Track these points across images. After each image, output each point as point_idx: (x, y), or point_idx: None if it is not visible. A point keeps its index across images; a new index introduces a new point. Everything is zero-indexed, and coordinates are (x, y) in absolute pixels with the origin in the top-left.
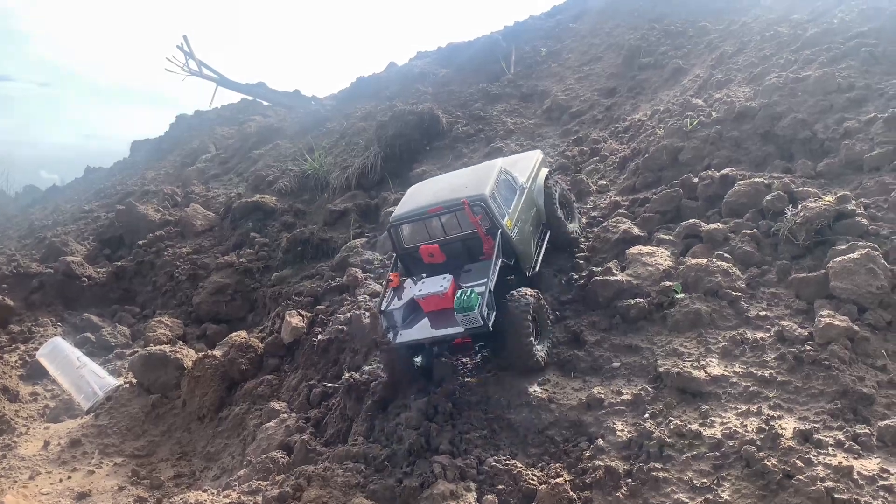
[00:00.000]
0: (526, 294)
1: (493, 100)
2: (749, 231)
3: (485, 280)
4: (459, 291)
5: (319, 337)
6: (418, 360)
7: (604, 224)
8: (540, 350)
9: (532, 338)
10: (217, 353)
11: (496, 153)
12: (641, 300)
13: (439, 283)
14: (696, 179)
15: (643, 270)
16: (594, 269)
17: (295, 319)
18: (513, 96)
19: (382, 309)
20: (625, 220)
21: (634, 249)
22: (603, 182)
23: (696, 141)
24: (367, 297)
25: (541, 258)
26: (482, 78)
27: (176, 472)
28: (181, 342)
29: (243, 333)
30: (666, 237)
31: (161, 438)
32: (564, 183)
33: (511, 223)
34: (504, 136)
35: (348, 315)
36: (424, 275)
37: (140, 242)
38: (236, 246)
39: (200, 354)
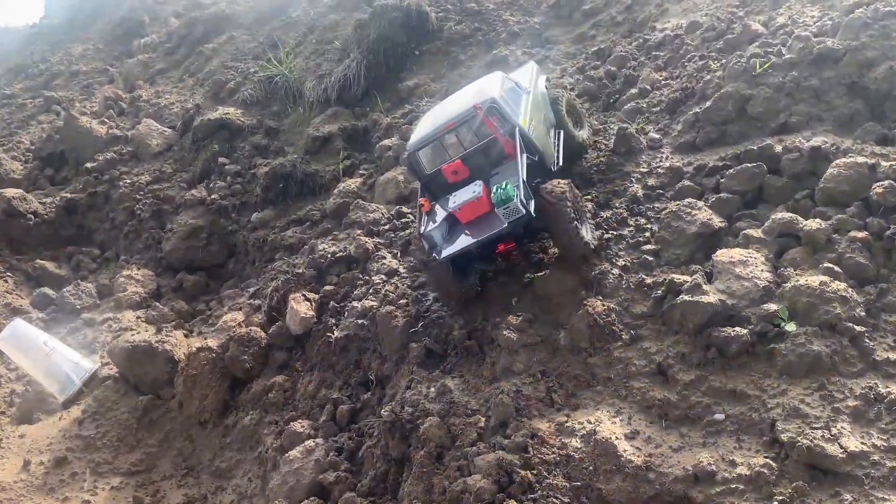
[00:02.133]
0: (559, 182)
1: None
2: (858, 234)
3: (516, 175)
4: (495, 187)
5: (336, 334)
6: (476, 274)
7: (669, 205)
8: (586, 234)
9: (574, 219)
10: (213, 343)
11: (501, 64)
12: (742, 331)
13: (472, 190)
14: (779, 149)
15: (738, 286)
16: (674, 279)
17: (302, 307)
18: None
19: (422, 232)
20: (699, 203)
21: (723, 255)
22: (654, 135)
23: (768, 89)
24: (384, 279)
25: (562, 154)
26: None
27: (185, 494)
28: (156, 302)
29: (239, 317)
30: (754, 233)
31: (159, 449)
32: (569, 93)
33: (526, 122)
34: (507, 40)
35: (368, 305)
36: (450, 194)
37: (89, 166)
38: (203, 175)
39: (195, 347)
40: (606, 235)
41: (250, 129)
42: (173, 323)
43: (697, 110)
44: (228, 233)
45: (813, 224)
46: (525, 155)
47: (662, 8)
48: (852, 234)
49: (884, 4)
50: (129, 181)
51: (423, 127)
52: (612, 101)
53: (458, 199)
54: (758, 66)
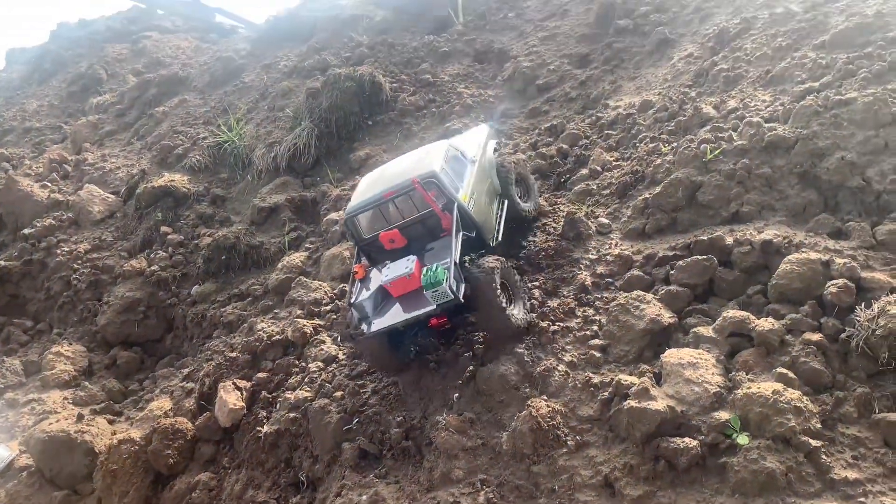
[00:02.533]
0: (489, 260)
1: (442, 58)
2: (812, 336)
3: (450, 254)
4: (425, 269)
5: (266, 428)
6: (412, 350)
7: (618, 295)
8: (517, 313)
9: (501, 297)
10: (136, 434)
11: (454, 136)
12: (692, 442)
13: (404, 266)
14: (730, 240)
15: (688, 391)
16: (621, 380)
17: (231, 397)
18: (465, 54)
19: (352, 301)
20: (647, 297)
21: (672, 356)
22: (603, 219)
23: (719, 176)
24: (321, 367)
25: (502, 228)
26: (427, 26)
27: None
28: (87, 380)
29: (167, 404)
30: (705, 332)
31: None
32: (523, 160)
33: (466, 196)
34: (461, 112)
35: (301, 397)
36: (388, 262)
37: (26, 232)
38: (145, 244)
39: (116, 439)
40: (553, 328)
41: (196, 197)
42: (102, 405)
43: (647, 196)
44: (167, 306)
45: (765, 324)
46: (461, 233)
47: (616, 85)
48: (806, 335)
49: (834, 93)
50: (66, 249)
51: (364, 191)
52: (563, 180)
53: (390, 273)
54: (708, 152)
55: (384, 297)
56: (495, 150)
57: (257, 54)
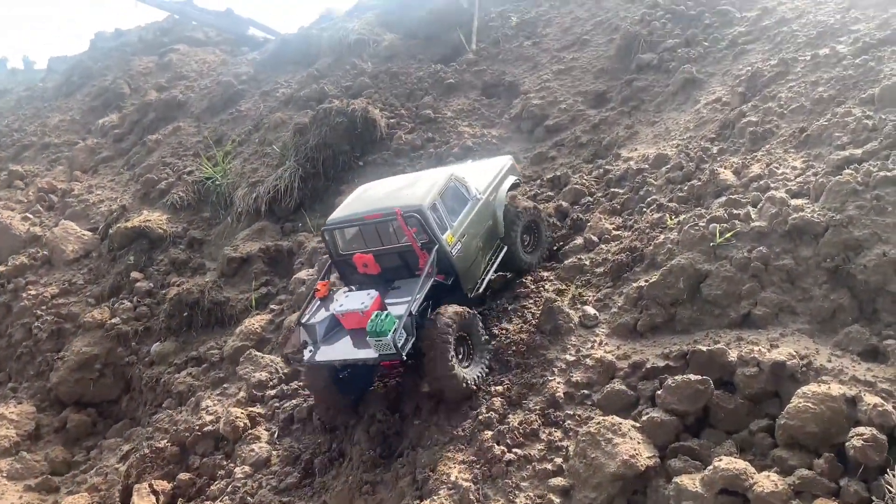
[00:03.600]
0: (448, 312)
1: (447, 91)
2: (827, 503)
3: (409, 299)
4: (375, 314)
5: None
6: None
7: (593, 414)
8: (468, 373)
9: (453, 359)
10: None
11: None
12: None
13: (361, 300)
14: (733, 356)
15: None
16: None
17: (145, 503)
18: (473, 87)
19: (303, 321)
20: (624, 427)
21: None
22: (589, 309)
23: (729, 266)
24: (249, 473)
25: (488, 278)
26: (436, 52)
27: None
28: (32, 446)
29: (82, 502)
30: (689, 484)
31: None
32: (542, 210)
33: (453, 238)
34: (459, 155)
35: None
36: (352, 287)
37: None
38: (113, 290)
39: None
40: (508, 455)
41: (172, 239)
42: (38, 479)
43: (643, 283)
44: (125, 364)
45: (766, 483)
46: (432, 279)
47: (632, 131)
48: (819, 502)
49: (879, 166)
50: (33, 293)
51: (350, 204)
52: (556, 248)
53: (345, 303)
54: (718, 235)
55: (337, 325)
56: (515, 184)
57: (259, 79)
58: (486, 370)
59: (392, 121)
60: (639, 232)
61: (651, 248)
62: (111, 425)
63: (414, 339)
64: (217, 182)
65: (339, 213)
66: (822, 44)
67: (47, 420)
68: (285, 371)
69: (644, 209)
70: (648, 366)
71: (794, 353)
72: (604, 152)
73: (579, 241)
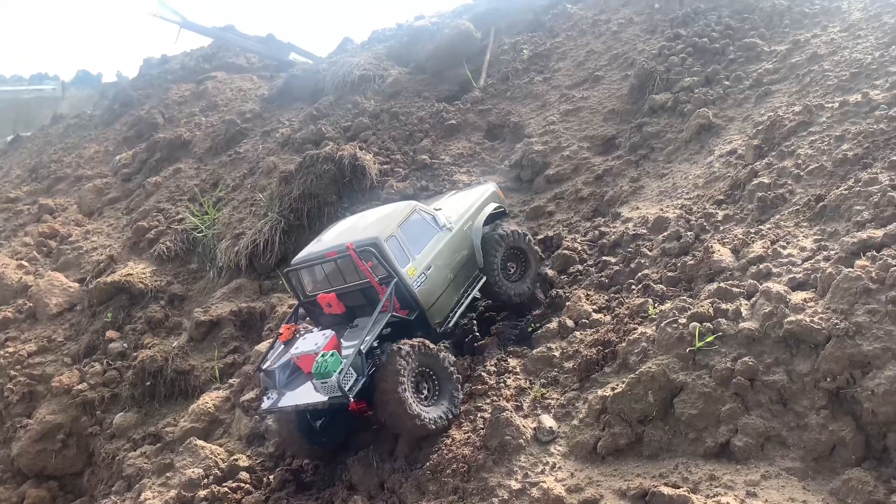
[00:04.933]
0: (404, 347)
1: (448, 133)
2: None
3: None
4: (320, 355)
5: None
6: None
7: None
8: (429, 411)
9: (406, 395)
10: None
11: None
12: None
13: (315, 341)
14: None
15: None
16: None
17: None
18: (476, 128)
19: (263, 367)
20: None
21: None
22: (547, 420)
23: (708, 379)
24: None
25: (459, 312)
26: (443, 88)
27: None
28: None
29: None
30: None
31: None
32: (523, 233)
33: (415, 270)
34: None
35: None
36: (311, 330)
37: None
38: (88, 350)
39: None
40: None
41: (154, 294)
42: None
43: (609, 392)
44: (89, 435)
45: None
46: (388, 315)
47: (637, 185)
48: None
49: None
50: (11, 350)
51: (312, 245)
52: (529, 329)
53: (301, 346)
54: (696, 337)
55: (298, 370)
56: (500, 211)
57: (264, 117)
58: (454, 408)
59: (385, 166)
60: (617, 320)
61: (625, 344)
62: (71, 501)
63: (366, 379)
64: (202, 232)
65: (301, 255)
66: (854, 87)
67: (5, 495)
68: (222, 466)
69: (632, 286)
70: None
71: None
72: (604, 208)
73: (554, 324)
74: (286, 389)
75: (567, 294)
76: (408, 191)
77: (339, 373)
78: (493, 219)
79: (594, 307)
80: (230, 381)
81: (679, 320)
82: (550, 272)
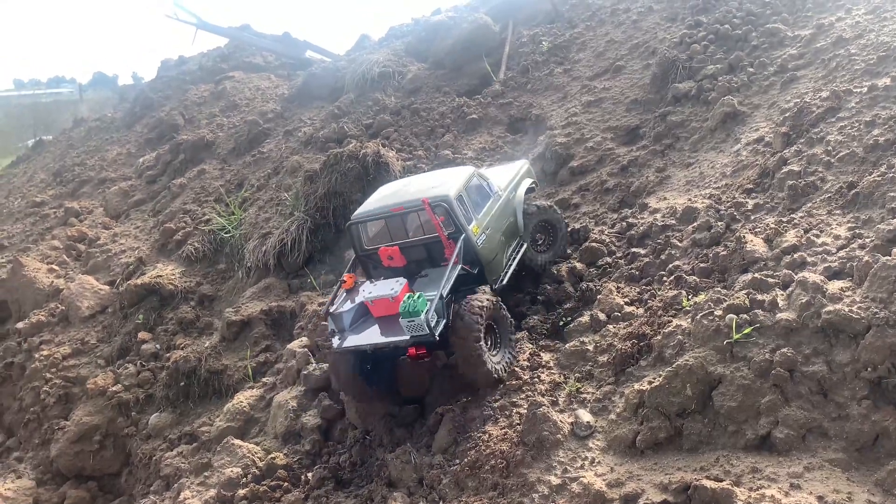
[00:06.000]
0: (481, 298)
1: (470, 127)
2: None
3: (439, 285)
4: (407, 295)
5: None
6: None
7: None
8: (496, 361)
9: (482, 344)
10: None
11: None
12: None
13: (390, 287)
14: (741, 499)
15: None
16: None
17: None
18: (497, 122)
19: (331, 311)
20: None
21: None
22: (584, 414)
23: (747, 370)
24: None
25: (510, 272)
26: (463, 83)
27: None
28: None
29: None
30: None
31: None
32: (552, 206)
33: (478, 229)
34: None
35: None
36: (371, 281)
37: (18, 327)
38: (122, 351)
39: None
40: None
41: (184, 295)
42: None
43: (646, 386)
44: (125, 436)
45: None
46: (459, 266)
47: (663, 174)
48: None
49: None
50: (45, 353)
51: (375, 200)
52: (561, 322)
53: (374, 290)
54: (733, 329)
55: (365, 314)
56: (530, 189)
57: (286, 116)
58: (513, 358)
59: (409, 163)
60: (651, 312)
61: (660, 337)
62: (111, 501)
63: (445, 321)
64: (229, 233)
65: (364, 209)
66: (882, 71)
67: (46, 496)
68: (260, 465)
69: (664, 277)
70: (643, 501)
71: (824, 496)
72: (631, 199)
73: (586, 318)
74: (353, 332)
75: (598, 287)
76: None
77: (426, 312)
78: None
79: (626, 300)
80: (263, 379)
81: (715, 312)
82: (579, 265)
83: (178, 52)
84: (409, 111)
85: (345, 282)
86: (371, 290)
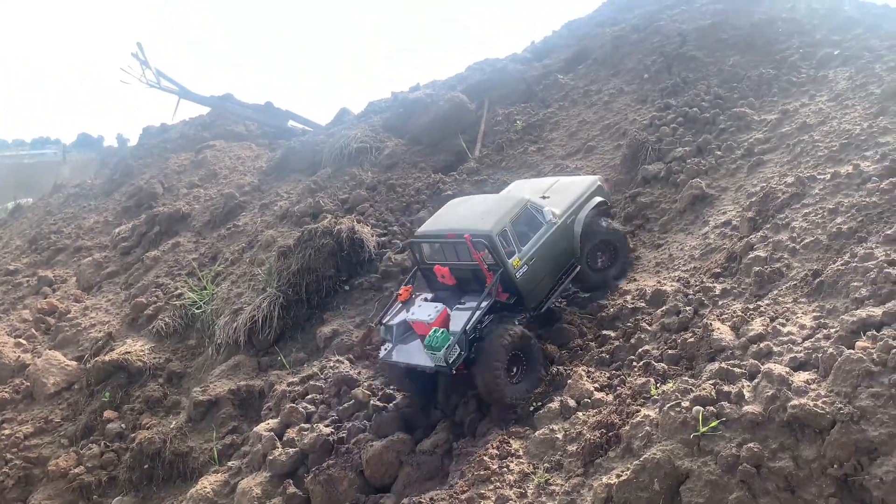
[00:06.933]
0: (510, 330)
1: (442, 204)
2: None
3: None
4: (433, 329)
5: None
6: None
7: None
8: (514, 389)
9: (499, 374)
10: None
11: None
12: None
13: (428, 312)
14: None
15: None
16: None
17: None
18: None
19: (383, 321)
20: None
21: None
22: None
23: (714, 465)
24: None
25: (553, 297)
26: (439, 159)
27: None
28: None
29: None
30: None
31: None
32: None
33: (519, 262)
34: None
35: None
36: (425, 296)
37: None
38: (86, 431)
39: None
40: None
41: (152, 372)
42: None
43: (614, 480)
44: None
45: None
46: (490, 301)
47: (633, 255)
48: None
49: None
50: (7, 432)
51: (438, 219)
52: (531, 408)
53: (417, 312)
54: (700, 422)
55: (411, 329)
56: (602, 204)
57: (262, 189)
58: (534, 387)
59: (384, 238)
60: (620, 400)
61: (628, 428)
62: None
63: (467, 353)
64: (200, 308)
65: (426, 227)
66: (845, 158)
67: None
68: None
69: (633, 362)
70: None
71: None
72: (588, 287)
73: (556, 404)
74: (401, 342)
75: (568, 371)
76: (406, 263)
77: (447, 349)
78: (596, 209)
79: (595, 385)
80: (229, 463)
81: (682, 403)
82: (550, 346)
83: (164, 116)
84: (385, 186)
85: (401, 294)
86: (414, 312)
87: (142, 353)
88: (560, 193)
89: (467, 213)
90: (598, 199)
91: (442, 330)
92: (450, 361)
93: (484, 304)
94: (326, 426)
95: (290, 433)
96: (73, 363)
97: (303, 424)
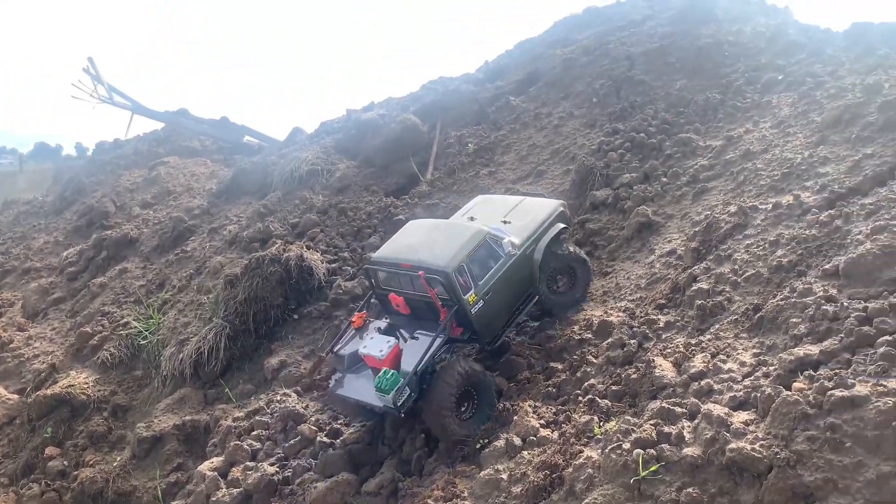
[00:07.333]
0: (461, 366)
1: (396, 228)
2: None
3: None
4: (383, 370)
5: None
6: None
7: None
8: (461, 426)
9: (449, 410)
10: None
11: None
12: None
13: (380, 347)
14: None
15: None
16: None
17: None
18: None
19: (335, 350)
20: None
21: None
22: None
23: None
24: None
25: (507, 331)
26: (391, 181)
27: None
28: None
29: None
30: None
31: None
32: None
33: (475, 297)
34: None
35: None
36: (378, 325)
37: None
38: (26, 470)
39: None
40: None
41: (96, 406)
42: None
43: None
44: None
45: None
46: (445, 337)
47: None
48: None
49: (836, 380)
50: None
51: (395, 245)
52: (478, 445)
53: (369, 346)
54: (640, 466)
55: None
56: (563, 230)
57: (212, 213)
58: (484, 424)
59: (334, 265)
60: (564, 439)
61: (571, 470)
62: None
63: (417, 394)
64: (146, 339)
65: (382, 252)
66: (786, 188)
67: None
68: None
69: (579, 397)
70: None
71: None
72: (549, 310)
73: (501, 442)
74: (351, 373)
75: (514, 406)
76: (356, 290)
77: (396, 391)
78: (556, 236)
79: (541, 422)
80: (173, 503)
81: (623, 445)
82: (499, 380)
83: (123, 123)
84: (336, 210)
85: (354, 321)
86: (366, 345)
87: (86, 386)
88: (522, 218)
89: (425, 242)
90: (561, 225)
91: (392, 372)
92: (398, 404)
93: (437, 342)
94: (271, 465)
95: (235, 472)
96: (15, 396)
97: (248, 462)
